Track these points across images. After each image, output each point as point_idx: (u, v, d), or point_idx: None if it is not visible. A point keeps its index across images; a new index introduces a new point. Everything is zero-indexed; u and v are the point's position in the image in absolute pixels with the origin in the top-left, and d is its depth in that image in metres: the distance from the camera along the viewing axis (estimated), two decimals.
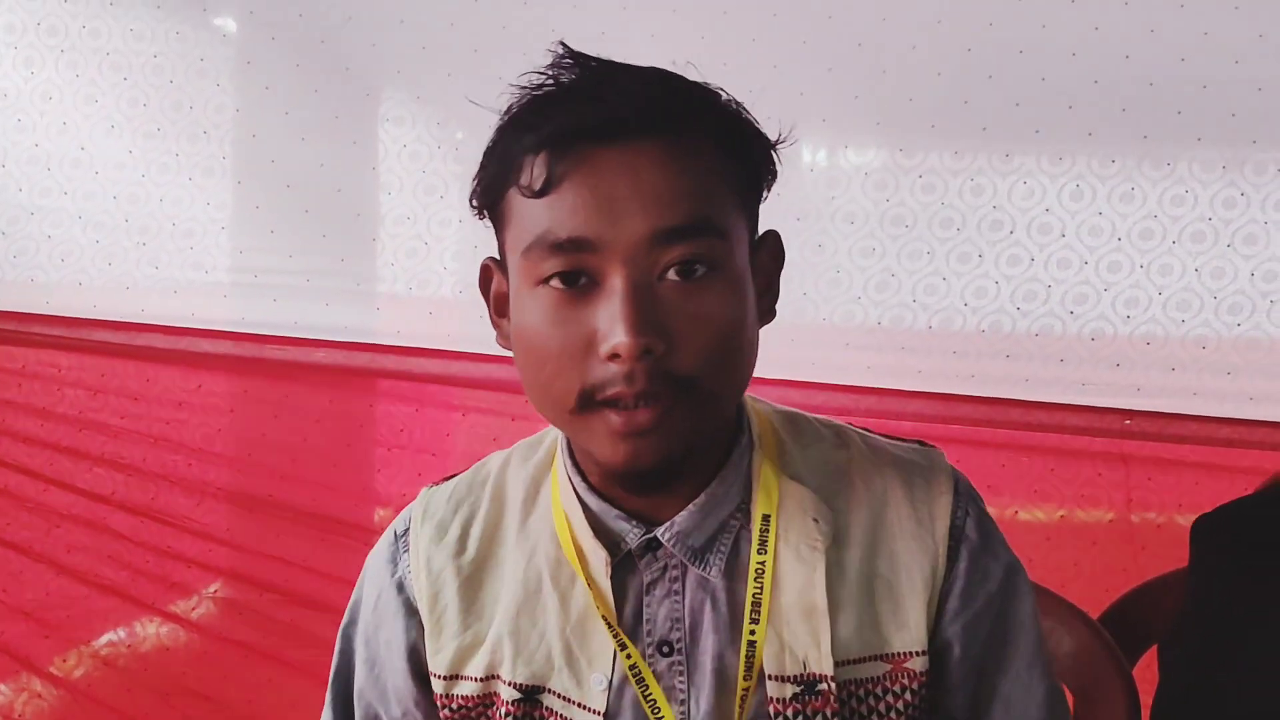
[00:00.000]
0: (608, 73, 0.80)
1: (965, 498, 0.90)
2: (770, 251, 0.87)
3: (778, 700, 0.85)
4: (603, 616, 0.86)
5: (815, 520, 0.87)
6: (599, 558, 0.86)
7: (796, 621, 0.85)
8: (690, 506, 0.86)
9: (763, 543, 0.87)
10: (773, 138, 0.84)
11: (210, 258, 1.82)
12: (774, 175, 0.85)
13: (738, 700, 0.85)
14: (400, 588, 0.94)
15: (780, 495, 0.88)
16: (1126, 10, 1.52)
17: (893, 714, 0.87)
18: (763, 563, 0.86)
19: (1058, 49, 1.55)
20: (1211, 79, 1.52)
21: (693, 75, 0.82)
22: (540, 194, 0.78)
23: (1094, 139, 1.56)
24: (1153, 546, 1.59)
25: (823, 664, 0.85)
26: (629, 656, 0.86)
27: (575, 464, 0.89)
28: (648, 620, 0.88)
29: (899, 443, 0.94)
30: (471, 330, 1.75)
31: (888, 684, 0.87)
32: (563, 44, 0.81)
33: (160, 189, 1.82)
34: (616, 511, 0.87)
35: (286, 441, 1.85)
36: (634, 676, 0.86)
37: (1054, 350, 1.60)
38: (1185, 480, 1.59)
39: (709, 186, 0.79)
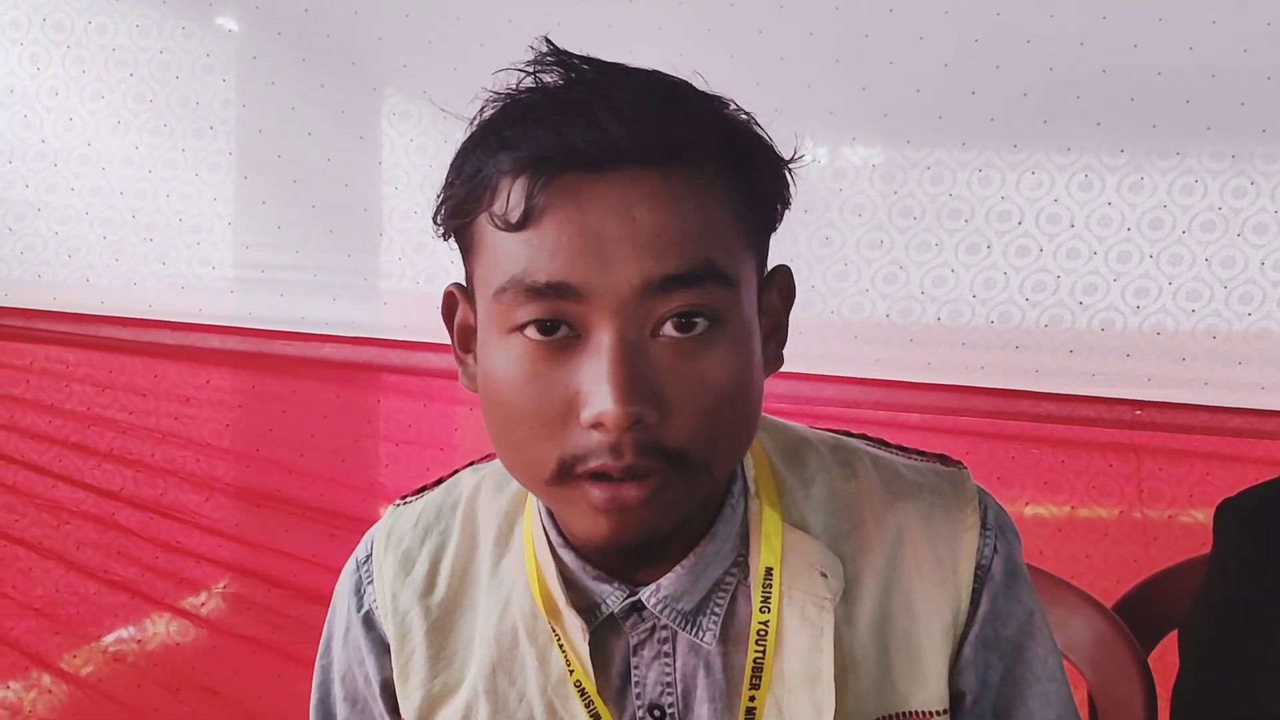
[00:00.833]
0: (599, 81, 0.68)
1: (993, 531, 0.81)
2: (780, 289, 0.78)
3: None
4: (576, 683, 0.78)
5: (823, 575, 0.77)
6: (575, 624, 0.77)
7: (799, 690, 0.76)
8: (678, 569, 0.76)
9: (765, 600, 0.77)
10: (786, 156, 0.74)
11: (217, 253, 1.82)
12: (786, 205, 0.75)
13: None
14: (369, 623, 0.86)
15: (784, 547, 0.78)
16: None
17: None
18: (765, 623, 0.77)
19: (1066, 39, 1.54)
20: (1220, 68, 1.51)
21: (699, 85, 0.72)
22: (517, 227, 0.66)
23: (1102, 129, 1.56)
24: (1164, 538, 1.59)
25: None
26: None
27: (550, 515, 0.79)
28: (636, 684, 0.79)
29: (917, 463, 0.84)
30: None
31: None
32: (546, 40, 0.70)
33: (167, 185, 1.82)
34: (595, 571, 0.77)
35: (294, 437, 1.85)
36: None
37: (1063, 341, 1.59)
38: (1196, 471, 1.58)
39: (714, 225, 0.68)
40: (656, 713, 0.79)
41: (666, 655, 0.79)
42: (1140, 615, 1.20)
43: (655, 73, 0.71)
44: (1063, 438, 1.61)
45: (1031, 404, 1.60)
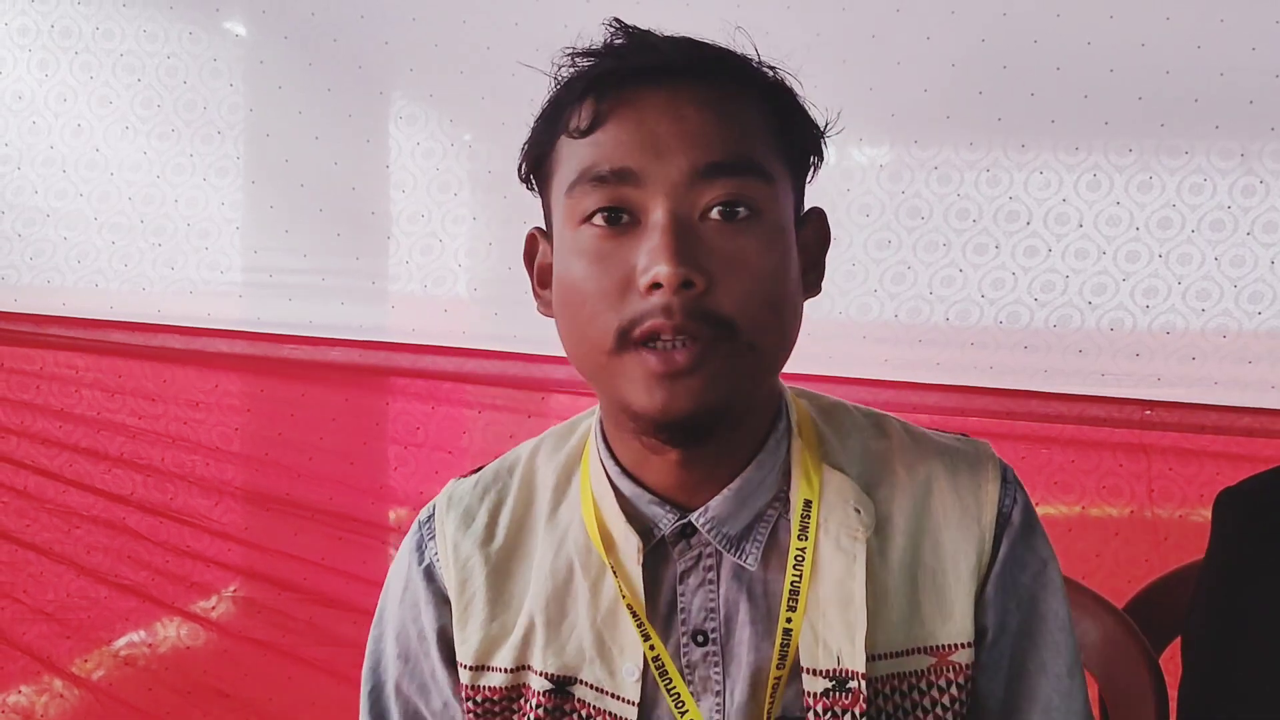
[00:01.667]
0: (657, 34, 0.82)
1: (1013, 485, 0.88)
2: (815, 228, 0.86)
3: (810, 694, 0.82)
4: (628, 605, 0.84)
5: (856, 510, 0.84)
6: (630, 544, 0.84)
7: (832, 613, 0.83)
8: (726, 491, 0.84)
9: (803, 529, 0.84)
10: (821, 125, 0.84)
11: (225, 258, 1.83)
12: (820, 157, 0.85)
13: (768, 690, 0.83)
14: (429, 576, 0.92)
15: (821, 483, 0.86)
16: None
17: (938, 709, 0.84)
18: (802, 549, 0.84)
19: (1072, 38, 1.54)
20: (1229, 66, 1.51)
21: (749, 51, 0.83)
22: (586, 133, 0.78)
23: (1110, 128, 1.55)
24: (1174, 537, 1.58)
25: (855, 660, 0.82)
26: (652, 648, 0.84)
27: (609, 448, 0.87)
28: (682, 610, 0.85)
29: (942, 434, 0.92)
30: (485, 327, 1.75)
31: (933, 678, 0.84)
32: (616, 19, 0.82)
33: (175, 190, 1.82)
34: (650, 496, 0.85)
35: (302, 440, 1.85)
36: (656, 668, 0.84)
37: (1073, 341, 1.59)
38: (1206, 470, 1.58)
39: (752, 132, 0.79)
40: (700, 638, 0.85)
41: (711, 582, 0.85)
42: (1150, 615, 1.20)
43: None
44: (1072, 438, 1.61)
45: (1041, 404, 1.60)
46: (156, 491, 1.89)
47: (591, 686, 0.86)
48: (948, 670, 0.84)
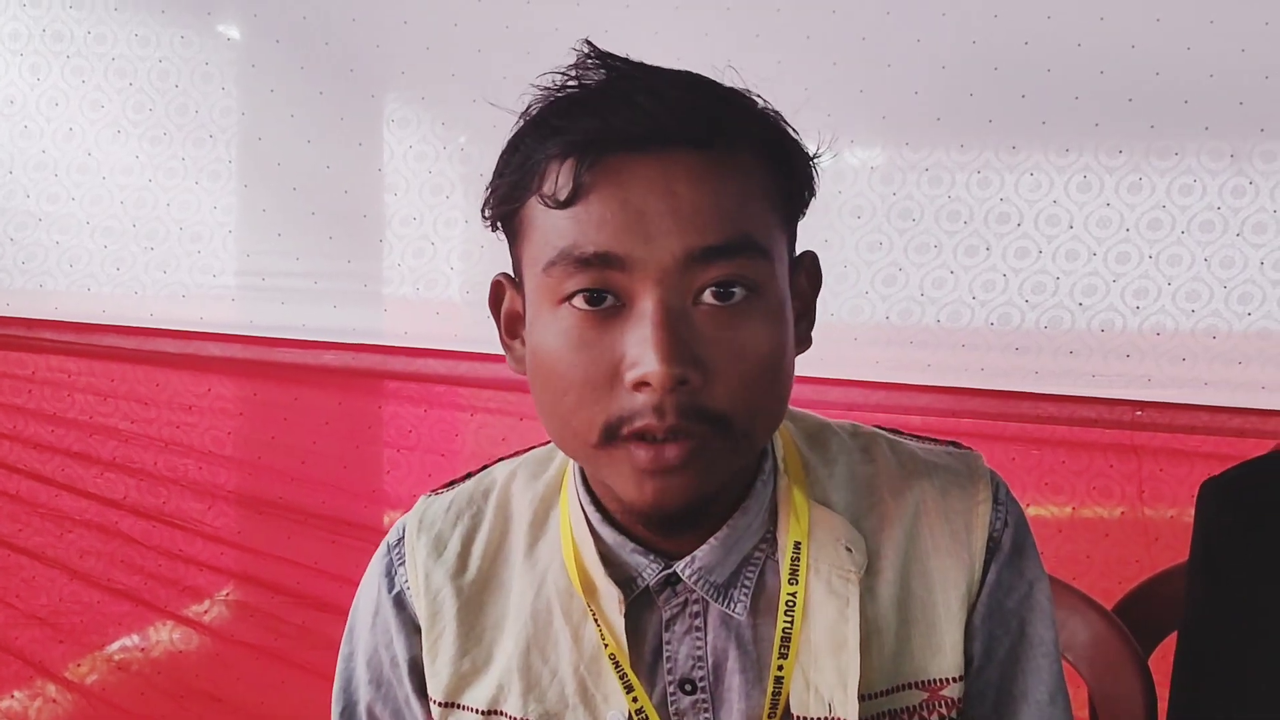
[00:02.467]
0: (639, 75, 0.74)
1: (1004, 506, 0.85)
2: (808, 273, 0.82)
3: None
4: (610, 655, 0.81)
5: (848, 549, 0.81)
6: (611, 595, 0.81)
7: (824, 659, 0.79)
8: (712, 540, 0.80)
9: (793, 573, 0.80)
10: (811, 150, 0.79)
11: (218, 261, 1.82)
12: (813, 192, 0.80)
13: None
14: (400, 604, 0.89)
15: (810, 522, 0.82)
16: None
17: None
18: (793, 594, 0.80)
19: (1063, 40, 1.54)
20: (1219, 67, 1.51)
21: (731, 80, 0.77)
22: (565, 204, 0.71)
23: (1101, 129, 1.56)
24: (1165, 538, 1.58)
25: (847, 709, 0.78)
26: (635, 699, 0.81)
27: (589, 492, 0.83)
28: (668, 659, 0.82)
29: (932, 446, 0.88)
30: (479, 331, 1.75)
31: (925, 714, 0.81)
32: (588, 43, 0.75)
33: (167, 193, 1.82)
34: (633, 545, 0.81)
35: (296, 444, 1.85)
36: None
37: (1063, 342, 1.59)
38: (1197, 471, 1.58)
39: (750, 203, 0.73)
40: (688, 687, 0.82)
41: (698, 630, 0.82)
42: (1139, 617, 1.20)
43: (689, 71, 0.76)
44: (1063, 439, 1.61)
45: (1032, 405, 1.60)
46: (149, 495, 1.88)
47: None
48: (940, 705, 0.81)
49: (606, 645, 0.81)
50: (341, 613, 1.03)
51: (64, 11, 1.80)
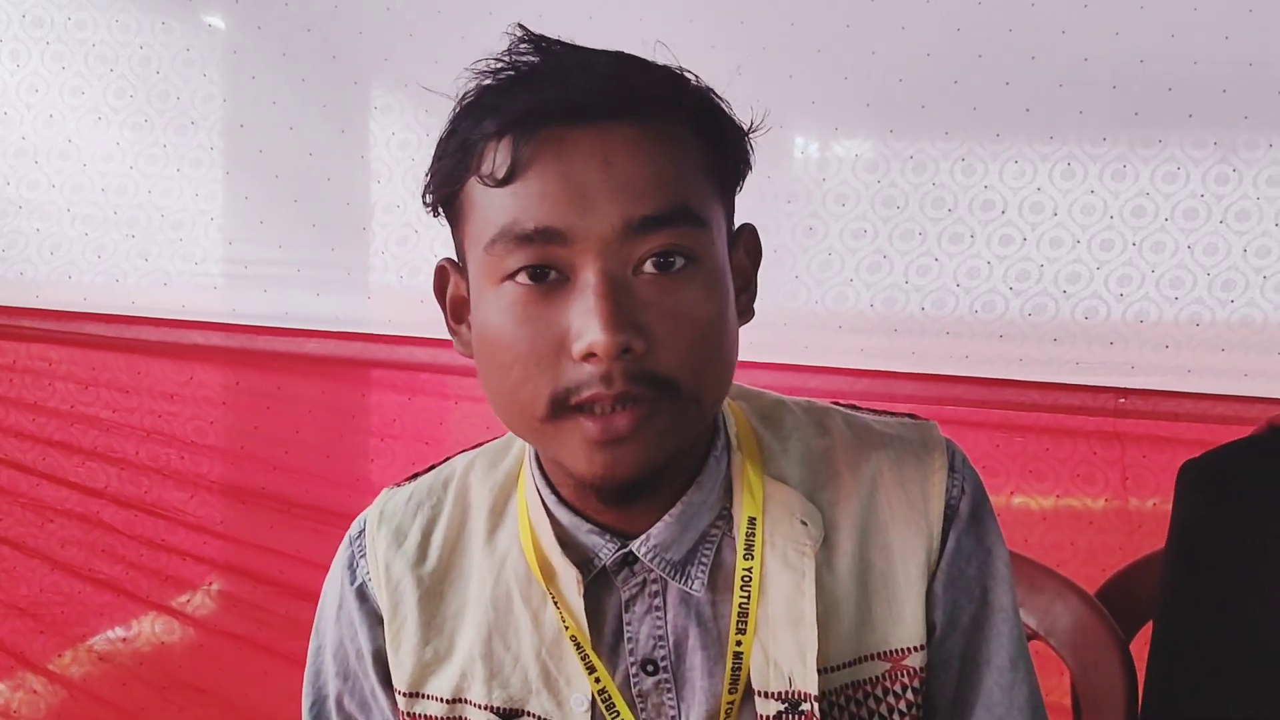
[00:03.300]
0: (572, 54, 0.75)
1: (960, 474, 0.85)
2: (747, 246, 0.82)
3: (763, 717, 0.80)
4: (571, 638, 0.81)
5: (803, 523, 0.81)
6: (569, 576, 0.81)
7: (783, 633, 0.80)
8: (666, 517, 0.80)
9: (749, 548, 0.81)
10: (746, 125, 0.79)
11: (200, 249, 1.81)
12: (749, 166, 0.80)
13: (721, 714, 0.81)
14: (362, 595, 0.89)
15: (764, 497, 0.82)
16: None
17: (895, 716, 0.82)
18: (749, 569, 0.81)
19: (1047, 27, 1.55)
20: (1202, 55, 1.51)
21: (664, 58, 0.77)
22: (504, 182, 0.72)
23: (1084, 117, 1.56)
24: (1148, 525, 1.59)
25: (807, 682, 0.79)
26: (598, 680, 0.81)
27: (544, 475, 0.83)
28: (629, 639, 0.83)
29: (887, 419, 0.89)
30: None
31: (888, 684, 0.82)
32: (520, 26, 0.75)
33: (149, 180, 1.81)
34: (589, 525, 0.81)
35: (279, 433, 1.84)
36: (603, 701, 0.82)
37: (1047, 330, 1.60)
38: (1180, 458, 1.57)
39: (686, 173, 0.73)
40: (650, 667, 0.83)
41: (658, 609, 0.82)
42: (1122, 602, 1.20)
43: (621, 51, 0.77)
44: (1047, 426, 1.62)
45: (1016, 393, 1.60)
46: (131, 485, 1.88)
47: (538, 718, 0.83)
48: (902, 675, 0.82)
49: (567, 627, 0.82)
50: None
51: None
